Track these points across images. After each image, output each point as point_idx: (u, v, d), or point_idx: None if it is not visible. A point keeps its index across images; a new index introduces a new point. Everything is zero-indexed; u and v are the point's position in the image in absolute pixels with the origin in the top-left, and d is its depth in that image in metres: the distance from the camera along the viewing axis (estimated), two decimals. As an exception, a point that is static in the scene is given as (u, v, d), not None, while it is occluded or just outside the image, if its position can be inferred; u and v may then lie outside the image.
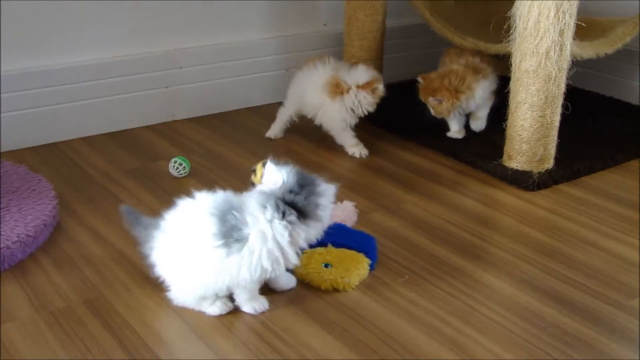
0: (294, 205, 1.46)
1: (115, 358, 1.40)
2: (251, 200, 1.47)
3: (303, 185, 1.47)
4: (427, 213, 2.01)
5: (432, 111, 2.37)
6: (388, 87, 2.86)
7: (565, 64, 2.07)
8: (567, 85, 2.12)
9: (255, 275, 1.46)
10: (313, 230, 1.50)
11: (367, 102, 2.34)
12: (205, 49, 2.67)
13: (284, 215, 1.44)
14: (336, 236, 1.77)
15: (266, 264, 1.44)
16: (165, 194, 2.06)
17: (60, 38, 2.38)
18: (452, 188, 2.16)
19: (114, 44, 2.49)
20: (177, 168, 2.15)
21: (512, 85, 2.14)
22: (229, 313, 1.53)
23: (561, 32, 2.01)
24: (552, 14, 1.99)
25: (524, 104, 2.11)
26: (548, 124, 2.12)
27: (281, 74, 2.80)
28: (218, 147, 2.42)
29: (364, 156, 2.37)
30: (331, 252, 1.71)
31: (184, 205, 1.52)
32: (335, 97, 2.31)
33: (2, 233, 1.72)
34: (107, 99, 2.50)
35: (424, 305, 1.58)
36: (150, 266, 1.55)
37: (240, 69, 2.75)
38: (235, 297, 1.53)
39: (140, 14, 2.51)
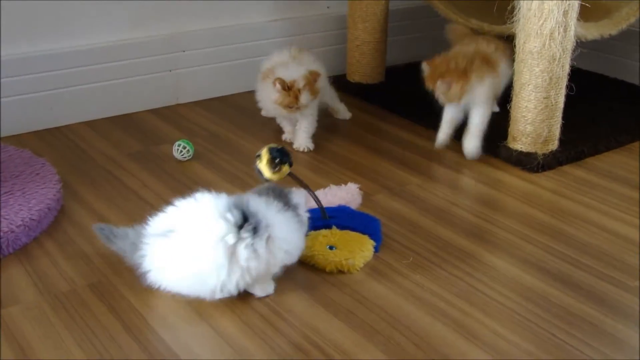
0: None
1: (120, 341, 1.40)
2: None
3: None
4: (431, 195, 2.01)
5: (441, 98, 2.17)
6: (392, 69, 2.87)
7: (570, 45, 2.06)
8: (571, 67, 2.11)
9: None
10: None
11: (272, 98, 2.22)
12: (208, 32, 2.66)
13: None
14: (340, 218, 1.77)
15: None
16: (169, 177, 2.06)
17: (63, 22, 2.38)
18: (456, 170, 2.15)
19: (117, 28, 2.48)
20: (181, 151, 2.15)
21: (516, 66, 2.13)
22: (234, 296, 1.53)
23: (565, 13, 2.00)
24: (556, -6, 1.98)
25: (528, 85, 2.11)
26: (552, 105, 2.11)
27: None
28: (222, 130, 2.42)
29: (309, 149, 2.29)
30: (335, 234, 1.71)
31: (186, 206, 1.51)
32: (266, 82, 2.25)
33: (6, 217, 1.72)
34: (110, 83, 2.50)
35: (428, 287, 1.58)
36: (143, 274, 1.52)
37: (244, 52, 2.74)
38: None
39: (142, -3, 2.50)
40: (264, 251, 1.46)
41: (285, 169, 1.70)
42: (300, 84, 2.16)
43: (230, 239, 1.43)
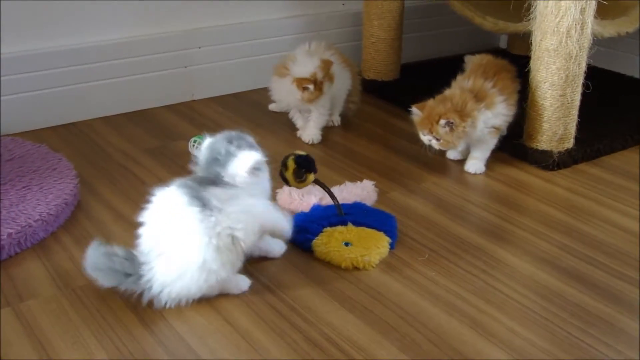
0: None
1: (137, 335, 1.41)
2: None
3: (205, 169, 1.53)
4: (447, 192, 2.01)
5: (436, 145, 2.05)
6: (407, 66, 2.87)
7: (587, 42, 2.05)
8: (588, 64, 2.10)
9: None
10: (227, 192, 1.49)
11: (295, 97, 2.24)
12: (223, 29, 2.66)
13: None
14: (356, 215, 1.77)
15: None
16: (185, 173, 2.05)
17: (79, 18, 2.39)
18: (471, 167, 2.15)
19: (133, 24, 2.49)
20: (197, 147, 2.15)
21: (532, 64, 2.13)
22: (250, 291, 1.53)
23: (582, 10, 1.99)
24: (573, -9, 1.97)
25: (544, 83, 2.10)
26: (568, 103, 2.11)
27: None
28: (237, 126, 2.40)
29: (314, 141, 2.31)
30: (351, 231, 1.71)
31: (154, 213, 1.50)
32: (282, 77, 2.26)
33: (24, 211, 1.73)
34: (126, 79, 2.51)
35: (444, 284, 1.58)
36: (154, 296, 1.47)
37: (259, 49, 2.75)
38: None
39: (159, -6, 2.51)
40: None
41: (310, 177, 1.70)
42: (320, 75, 2.20)
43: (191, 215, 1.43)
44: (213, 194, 1.47)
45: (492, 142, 2.12)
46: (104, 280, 1.47)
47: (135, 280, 1.45)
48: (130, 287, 1.46)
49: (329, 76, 2.24)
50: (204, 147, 1.58)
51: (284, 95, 2.29)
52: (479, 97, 2.05)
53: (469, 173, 2.12)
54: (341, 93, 2.40)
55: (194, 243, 1.43)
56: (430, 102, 2.05)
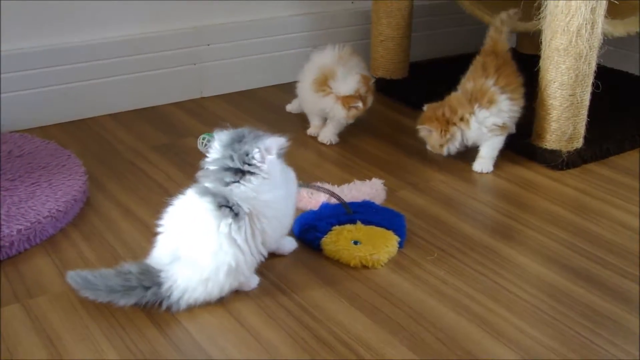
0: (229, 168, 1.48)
1: (147, 333, 1.41)
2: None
3: (231, 149, 1.50)
4: (456, 191, 2.00)
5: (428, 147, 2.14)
6: (416, 65, 2.87)
7: (597, 42, 2.04)
8: (597, 64, 2.10)
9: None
10: (257, 180, 1.48)
11: (340, 115, 2.23)
12: (233, 26, 2.66)
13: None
14: (365, 214, 1.77)
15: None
16: (194, 170, 2.04)
17: (88, 15, 2.39)
18: (480, 166, 2.15)
19: (143, 21, 2.49)
20: (206, 145, 2.15)
21: (542, 63, 2.12)
22: (259, 290, 1.54)
23: (593, 10, 1.99)
24: (584, -9, 1.97)
25: (554, 82, 2.10)
26: (578, 103, 2.10)
27: (308, 52, 2.78)
28: (246, 124, 2.40)
29: (332, 142, 2.30)
30: (360, 230, 1.71)
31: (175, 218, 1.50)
32: (324, 94, 2.23)
33: (33, 208, 1.74)
34: (135, 76, 2.51)
35: (452, 283, 1.58)
36: (174, 303, 1.46)
37: (268, 46, 2.75)
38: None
39: (168, -9, 2.51)
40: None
41: None
42: (363, 90, 2.21)
43: (223, 228, 1.42)
44: (239, 194, 1.45)
45: (497, 140, 2.11)
46: (124, 301, 1.44)
47: (156, 291, 1.44)
48: (152, 299, 1.45)
49: (370, 90, 2.25)
50: (223, 135, 1.54)
51: (321, 110, 2.28)
52: (477, 97, 2.05)
53: (477, 172, 2.12)
54: None
55: (223, 249, 1.43)
56: (433, 105, 2.11)
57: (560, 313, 1.49)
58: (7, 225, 1.65)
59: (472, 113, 2.04)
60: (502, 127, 2.09)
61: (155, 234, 1.50)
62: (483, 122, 2.05)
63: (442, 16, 3.09)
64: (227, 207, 1.42)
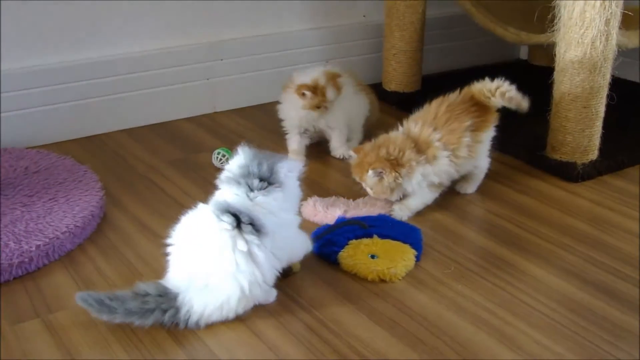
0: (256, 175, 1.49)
1: (165, 347, 1.41)
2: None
3: (258, 159, 1.51)
4: (471, 205, 2.00)
5: (370, 192, 1.91)
6: (429, 77, 2.87)
7: (611, 53, 2.04)
8: (612, 75, 2.10)
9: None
10: (281, 194, 1.50)
11: (298, 105, 2.18)
12: (246, 41, 2.68)
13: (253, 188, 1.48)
14: (381, 227, 1.78)
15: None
16: (209, 185, 2.05)
17: (102, 31, 2.41)
18: (495, 179, 2.14)
19: (155, 36, 2.51)
20: (221, 159, 2.16)
21: (556, 75, 2.12)
22: (278, 305, 1.54)
23: (607, 22, 1.99)
24: (598, 2, 1.96)
25: (568, 94, 2.10)
26: (593, 115, 2.10)
27: (321, 65, 2.80)
28: (259, 138, 2.43)
29: (344, 156, 2.25)
30: (377, 243, 1.71)
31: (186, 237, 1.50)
32: (287, 93, 2.22)
33: (51, 224, 1.74)
34: (148, 91, 2.52)
35: (470, 297, 1.58)
36: (192, 326, 1.46)
37: (281, 61, 2.76)
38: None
39: (181, 6, 2.52)
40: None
41: None
42: (323, 80, 2.15)
43: (242, 246, 1.42)
44: (264, 204, 1.47)
45: (429, 196, 1.94)
46: (140, 322, 1.43)
47: (174, 314, 1.44)
48: (169, 321, 1.44)
49: (335, 86, 2.17)
50: (247, 149, 1.56)
51: (288, 111, 2.25)
52: (421, 149, 1.88)
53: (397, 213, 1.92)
54: (358, 119, 2.35)
55: (239, 270, 1.42)
56: (367, 147, 1.89)
57: (580, 326, 1.49)
58: (26, 241, 1.66)
59: (418, 163, 1.86)
60: (438, 185, 1.95)
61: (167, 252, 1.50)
62: (426, 176, 1.89)
63: (454, 29, 3.09)
64: (249, 224, 1.42)
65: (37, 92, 2.31)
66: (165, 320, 1.44)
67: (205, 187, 2.05)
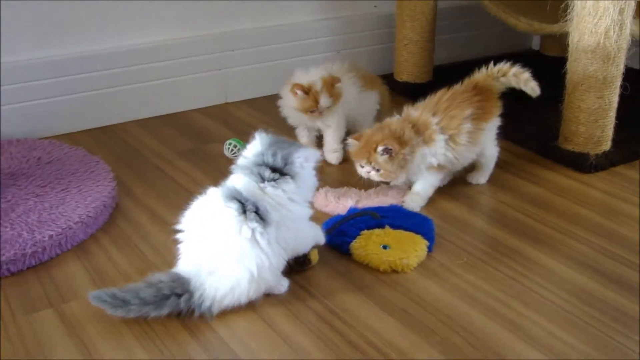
0: (269, 165, 1.50)
1: (178, 337, 1.41)
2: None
3: (274, 148, 1.51)
4: (483, 195, 2.00)
5: (376, 176, 1.87)
6: (440, 68, 2.86)
7: (625, 43, 2.03)
8: (625, 66, 2.08)
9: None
10: (293, 185, 1.50)
11: (292, 104, 2.16)
12: (257, 31, 2.67)
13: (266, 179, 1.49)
14: (393, 218, 1.77)
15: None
16: (221, 175, 2.05)
17: (113, 22, 2.41)
18: (507, 170, 2.14)
19: (167, 27, 2.51)
20: (232, 150, 2.16)
21: (569, 65, 2.11)
22: (290, 294, 1.54)
23: (621, 11, 1.97)
24: (612, -8, 1.96)
25: (582, 85, 2.09)
26: (606, 106, 2.09)
27: (332, 56, 2.79)
28: (271, 129, 2.41)
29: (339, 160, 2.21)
30: (389, 234, 1.71)
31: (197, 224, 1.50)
32: (285, 87, 2.20)
33: (64, 214, 1.75)
34: (160, 82, 2.52)
35: (483, 287, 1.58)
36: (206, 311, 1.46)
37: (292, 51, 2.75)
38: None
39: (193, -3, 2.52)
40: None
41: None
42: (318, 85, 2.09)
43: (245, 232, 1.42)
44: (273, 196, 1.47)
45: (432, 178, 1.93)
46: (156, 312, 1.43)
47: (188, 299, 1.44)
48: (185, 307, 1.44)
49: (329, 93, 2.10)
50: (265, 135, 1.56)
51: (284, 107, 2.23)
52: (419, 130, 1.88)
53: (408, 208, 1.91)
54: (366, 117, 2.29)
55: (246, 257, 1.43)
56: (368, 131, 1.88)
57: (592, 317, 1.48)
58: (39, 231, 1.67)
59: (417, 144, 1.86)
60: (438, 167, 1.93)
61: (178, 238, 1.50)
62: (423, 158, 1.88)
63: (466, 19, 3.08)
64: (254, 212, 1.43)
65: (50, 83, 2.32)
66: (181, 306, 1.44)
67: (216, 178, 2.03)
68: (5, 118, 2.26)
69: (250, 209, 1.43)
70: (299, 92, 2.10)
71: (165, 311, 1.43)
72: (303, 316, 1.48)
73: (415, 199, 1.92)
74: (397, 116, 1.94)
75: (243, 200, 1.44)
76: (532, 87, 1.96)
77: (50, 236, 1.65)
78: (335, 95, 2.13)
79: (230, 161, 2.14)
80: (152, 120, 2.51)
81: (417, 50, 2.75)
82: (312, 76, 2.13)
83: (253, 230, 1.42)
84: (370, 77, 2.34)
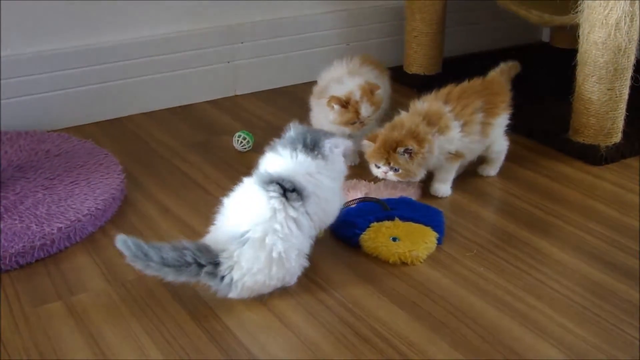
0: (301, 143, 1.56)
1: (187, 330, 1.41)
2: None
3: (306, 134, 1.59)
4: (494, 187, 1.99)
5: (393, 176, 1.84)
6: (450, 60, 2.85)
7: (636, 35, 2.02)
8: (636, 57, 2.07)
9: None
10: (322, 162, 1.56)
11: (329, 118, 2.02)
12: (266, 24, 2.66)
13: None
14: (403, 210, 1.77)
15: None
16: (229, 167, 2.07)
17: (123, 14, 2.40)
18: (517, 162, 2.12)
19: (176, 19, 2.50)
20: (242, 142, 2.16)
21: (580, 57, 2.10)
22: (299, 287, 1.53)
23: (632, 2, 1.96)
24: (623, -17, 1.94)
25: (592, 76, 2.07)
26: (617, 97, 2.08)
27: (341, 48, 2.78)
28: (280, 121, 2.40)
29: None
30: (399, 226, 1.70)
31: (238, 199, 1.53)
32: (319, 101, 2.07)
33: (73, 206, 1.75)
34: (169, 74, 2.52)
35: (493, 280, 1.57)
36: (227, 285, 1.46)
37: (301, 44, 2.74)
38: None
39: (201, -11, 2.52)
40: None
41: None
42: (357, 95, 1.98)
43: (292, 212, 1.47)
44: (303, 164, 1.53)
45: (451, 167, 1.92)
46: (173, 277, 1.42)
47: (211, 270, 1.43)
48: (204, 278, 1.44)
49: (370, 101, 1.99)
50: (298, 126, 1.63)
51: (318, 121, 2.09)
52: (431, 121, 1.86)
53: (437, 196, 1.93)
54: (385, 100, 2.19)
55: (292, 232, 1.46)
56: (382, 131, 1.84)
57: (603, 309, 1.47)
58: (48, 223, 1.67)
59: (433, 136, 1.84)
60: (456, 155, 1.91)
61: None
62: (441, 147, 1.86)
63: (476, 11, 3.06)
64: (293, 190, 1.47)
65: (59, 75, 2.32)
66: (201, 277, 1.43)
67: (226, 170, 2.06)
68: (14, 110, 2.26)
69: (289, 186, 1.47)
70: (336, 106, 1.98)
71: (182, 278, 1.43)
72: (313, 309, 1.47)
73: (442, 187, 1.93)
74: (404, 112, 1.92)
75: (279, 181, 1.47)
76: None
77: (59, 229, 1.65)
78: (376, 103, 2.02)
79: (240, 154, 2.16)
80: (161, 112, 2.51)
81: (427, 42, 2.74)
82: (348, 86, 2.01)
83: (296, 210, 1.47)
84: (377, 63, 2.28)
